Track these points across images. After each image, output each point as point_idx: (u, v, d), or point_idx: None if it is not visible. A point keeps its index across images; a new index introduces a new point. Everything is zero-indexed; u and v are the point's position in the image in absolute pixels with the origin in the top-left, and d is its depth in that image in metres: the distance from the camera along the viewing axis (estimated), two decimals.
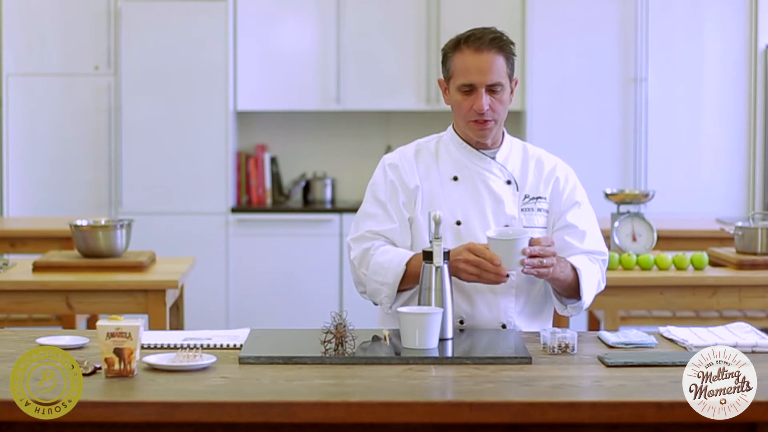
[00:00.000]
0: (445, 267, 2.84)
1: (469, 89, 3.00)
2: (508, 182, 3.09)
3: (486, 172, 3.09)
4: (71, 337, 2.84)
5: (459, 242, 2.98)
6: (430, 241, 2.86)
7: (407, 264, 2.97)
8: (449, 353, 2.71)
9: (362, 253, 3.07)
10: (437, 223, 2.84)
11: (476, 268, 2.85)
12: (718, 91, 6.59)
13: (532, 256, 2.83)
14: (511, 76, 3.03)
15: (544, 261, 2.84)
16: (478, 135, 3.06)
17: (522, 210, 3.08)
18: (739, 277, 4.29)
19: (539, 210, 3.10)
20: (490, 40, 2.98)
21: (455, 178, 3.09)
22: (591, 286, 3.03)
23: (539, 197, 3.10)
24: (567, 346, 2.74)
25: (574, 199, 3.12)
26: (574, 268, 2.98)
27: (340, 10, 6.71)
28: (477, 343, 2.84)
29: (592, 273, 3.04)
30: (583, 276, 2.98)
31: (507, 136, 3.14)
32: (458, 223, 3.04)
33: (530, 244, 2.84)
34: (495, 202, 3.07)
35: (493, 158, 3.10)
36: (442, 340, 2.80)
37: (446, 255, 2.85)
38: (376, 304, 3.11)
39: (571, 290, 3.01)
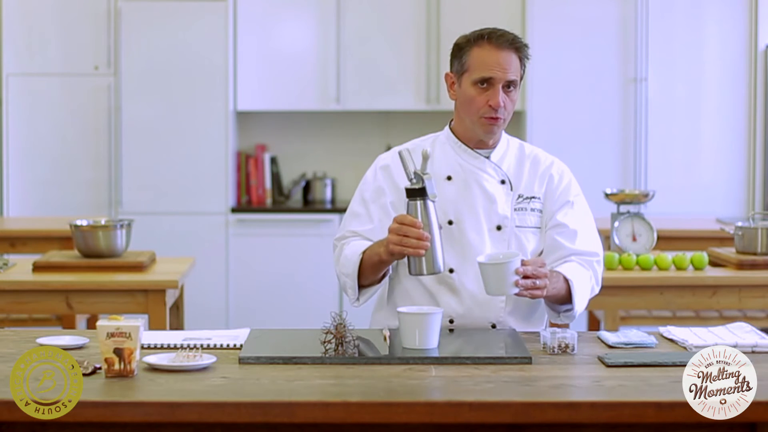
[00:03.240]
0: (431, 204, 2.81)
1: (487, 84, 3.00)
2: (502, 182, 3.09)
3: (480, 171, 3.08)
4: (71, 337, 2.84)
5: (451, 242, 2.99)
6: (411, 179, 2.82)
7: (363, 253, 2.98)
8: (449, 353, 2.71)
9: (338, 251, 3.11)
10: (425, 158, 2.81)
11: (398, 235, 2.80)
12: (718, 91, 6.59)
13: (525, 277, 2.78)
14: (522, 77, 3.05)
15: (537, 282, 2.80)
16: (487, 130, 3.05)
17: (515, 210, 3.07)
18: (739, 277, 4.29)
19: (532, 210, 3.09)
20: (512, 39, 3.01)
21: (449, 178, 3.09)
22: (584, 295, 3.01)
23: (533, 197, 3.09)
24: (567, 346, 2.74)
25: (566, 198, 3.10)
26: (566, 279, 2.96)
27: (340, 11, 6.71)
28: (476, 343, 2.84)
29: (584, 281, 3.01)
30: (576, 287, 2.96)
31: (504, 135, 3.14)
32: (450, 222, 3.04)
33: (522, 265, 2.79)
34: (488, 201, 3.07)
35: (488, 158, 3.10)
36: (434, 273, 2.81)
37: (420, 191, 2.81)
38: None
39: (563, 300, 2.99)
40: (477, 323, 3.03)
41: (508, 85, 3.00)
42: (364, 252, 2.99)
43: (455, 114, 3.13)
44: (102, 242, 4.40)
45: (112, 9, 6.57)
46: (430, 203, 2.80)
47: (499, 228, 3.06)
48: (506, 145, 3.14)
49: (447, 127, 3.16)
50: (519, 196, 3.09)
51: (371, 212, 3.11)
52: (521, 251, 3.05)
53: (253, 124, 7.07)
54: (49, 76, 6.61)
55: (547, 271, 2.84)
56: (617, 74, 6.55)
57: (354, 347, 2.67)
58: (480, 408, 2.31)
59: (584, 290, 3.01)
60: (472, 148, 3.10)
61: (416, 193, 2.81)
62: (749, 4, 6.52)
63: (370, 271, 3.00)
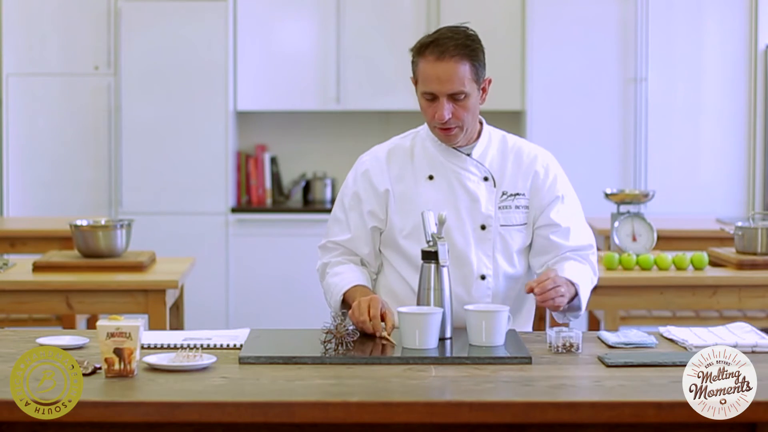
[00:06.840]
0: (445, 269, 2.84)
1: (432, 97, 2.96)
2: (485, 179, 3.06)
3: (461, 170, 3.06)
4: (71, 337, 2.84)
5: None
6: (428, 241, 2.86)
7: (344, 294, 3.03)
8: (449, 353, 2.71)
9: (322, 268, 3.18)
10: (441, 223, 2.84)
11: (358, 323, 2.83)
12: (718, 91, 6.59)
13: (543, 292, 2.80)
14: (478, 80, 2.96)
15: (560, 290, 2.82)
16: (444, 140, 3.04)
17: (500, 208, 3.05)
18: (739, 277, 4.29)
19: (517, 207, 3.06)
20: (453, 47, 2.90)
21: (431, 177, 3.07)
22: (587, 293, 3.01)
23: (517, 194, 3.06)
24: (572, 345, 2.74)
25: (555, 194, 3.07)
26: (571, 282, 2.94)
27: (340, 11, 6.71)
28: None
29: (586, 279, 3.01)
30: (581, 288, 2.96)
31: (485, 129, 3.10)
32: None
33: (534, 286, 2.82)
34: (471, 201, 3.05)
35: (469, 155, 3.07)
36: (442, 339, 2.80)
37: (434, 255, 2.84)
38: None
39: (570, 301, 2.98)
40: (462, 324, 3.01)
41: (455, 95, 2.93)
42: (345, 293, 3.03)
43: None
44: (102, 242, 4.40)
45: (112, 9, 6.57)
46: (442, 268, 2.84)
47: (483, 227, 3.04)
48: (488, 139, 3.10)
49: (426, 124, 3.11)
50: (503, 194, 3.06)
51: (349, 220, 3.13)
52: (506, 250, 3.05)
53: (253, 124, 7.07)
54: (49, 76, 6.61)
55: (559, 280, 2.85)
56: (617, 74, 6.55)
57: (354, 347, 2.67)
58: (480, 408, 2.31)
59: (587, 288, 3.02)
60: (453, 146, 3.07)
61: (430, 256, 2.84)
62: (749, 4, 6.52)
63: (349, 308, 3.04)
